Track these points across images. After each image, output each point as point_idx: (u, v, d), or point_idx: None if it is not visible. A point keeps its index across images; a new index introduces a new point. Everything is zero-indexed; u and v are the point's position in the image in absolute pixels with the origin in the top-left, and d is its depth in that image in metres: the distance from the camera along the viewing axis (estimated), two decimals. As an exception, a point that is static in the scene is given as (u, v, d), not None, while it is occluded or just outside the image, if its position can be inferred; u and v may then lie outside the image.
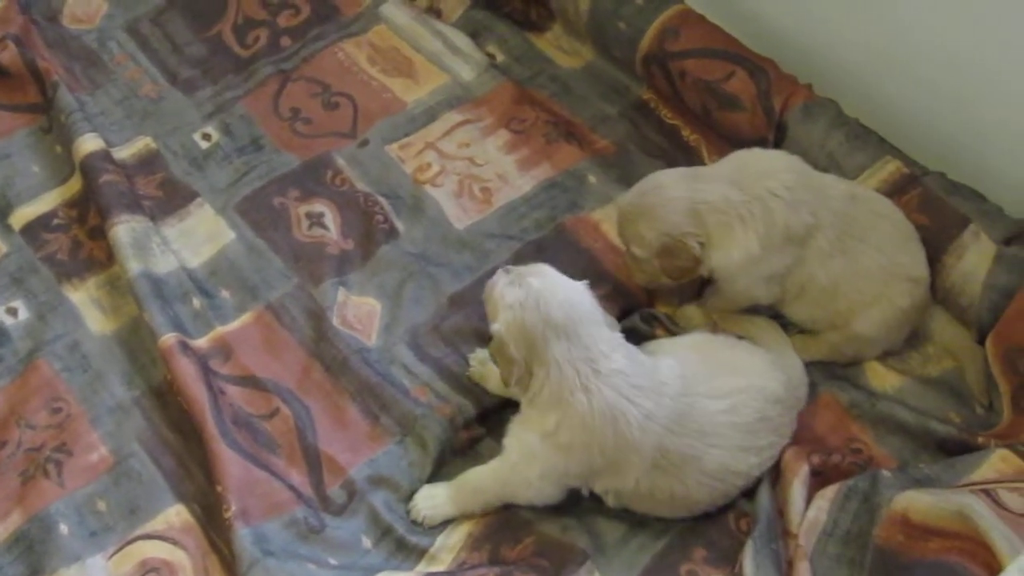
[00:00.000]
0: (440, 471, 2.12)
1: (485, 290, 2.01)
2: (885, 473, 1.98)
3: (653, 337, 2.23)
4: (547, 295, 1.91)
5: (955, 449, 2.07)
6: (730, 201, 2.11)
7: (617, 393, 1.89)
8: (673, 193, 2.14)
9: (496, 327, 1.94)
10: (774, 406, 2.01)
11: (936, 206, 2.25)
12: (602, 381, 1.89)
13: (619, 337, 1.96)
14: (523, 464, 1.97)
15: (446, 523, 2.06)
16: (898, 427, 2.14)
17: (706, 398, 1.95)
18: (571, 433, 1.91)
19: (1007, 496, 1.84)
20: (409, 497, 2.08)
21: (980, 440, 2.06)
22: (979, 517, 1.78)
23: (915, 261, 2.20)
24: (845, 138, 2.36)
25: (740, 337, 2.19)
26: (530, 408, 1.98)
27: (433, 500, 2.06)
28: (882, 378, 2.24)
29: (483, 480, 2.03)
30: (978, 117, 2.32)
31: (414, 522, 2.06)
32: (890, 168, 2.32)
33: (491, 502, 2.04)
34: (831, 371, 2.23)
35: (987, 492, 1.86)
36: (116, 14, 2.87)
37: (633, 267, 2.26)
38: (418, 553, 2.03)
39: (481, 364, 2.20)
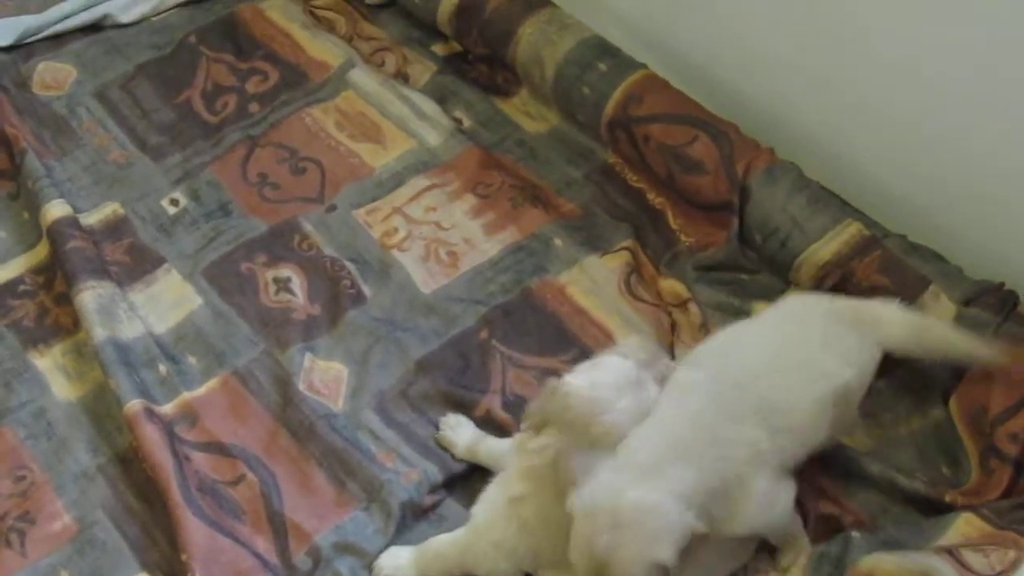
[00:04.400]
0: (401, 536, 2.10)
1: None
2: (855, 535, 1.97)
3: None
4: (625, 412, 1.86)
5: (923, 506, 2.07)
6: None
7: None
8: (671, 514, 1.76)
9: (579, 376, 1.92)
10: None
11: (897, 267, 2.27)
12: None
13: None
14: (484, 528, 1.95)
15: None
16: (866, 482, 2.13)
17: None
18: (532, 512, 1.90)
19: (971, 557, 1.85)
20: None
21: (947, 499, 2.05)
22: (943, 578, 1.79)
23: None
24: (807, 201, 2.39)
25: None
26: (511, 469, 1.96)
27: (396, 561, 2.04)
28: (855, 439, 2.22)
29: (445, 545, 2.01)
30: (938, 179, 2.36)
31: None
32: (851, 230, 2.34)
33: (451, 570, 2.02)
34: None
35: (951, 552, 1.86)
36: (85, 80, 2.88)
37: None
38: (382, 620, 2.01)
39: (451, 429, 2.20)
